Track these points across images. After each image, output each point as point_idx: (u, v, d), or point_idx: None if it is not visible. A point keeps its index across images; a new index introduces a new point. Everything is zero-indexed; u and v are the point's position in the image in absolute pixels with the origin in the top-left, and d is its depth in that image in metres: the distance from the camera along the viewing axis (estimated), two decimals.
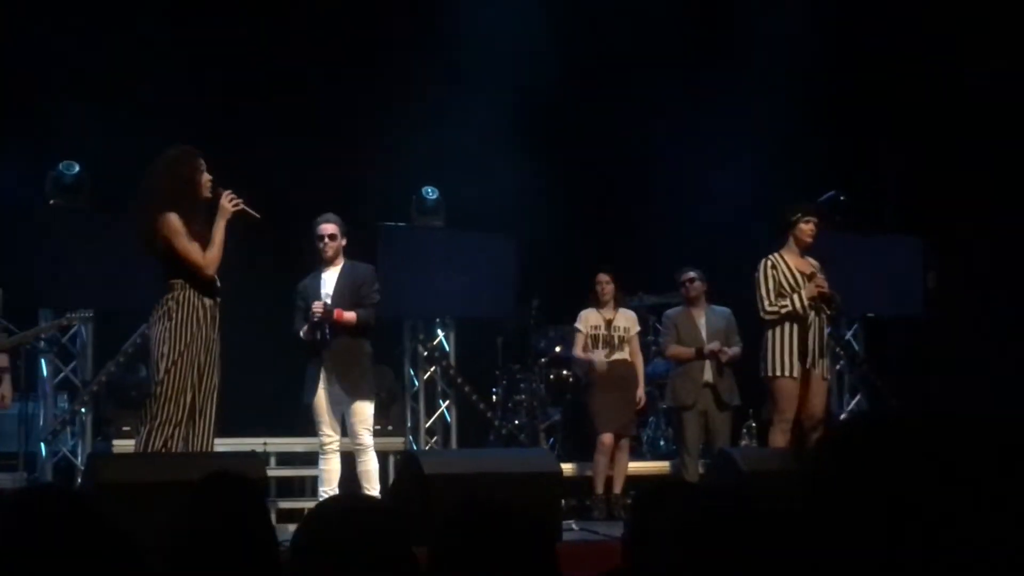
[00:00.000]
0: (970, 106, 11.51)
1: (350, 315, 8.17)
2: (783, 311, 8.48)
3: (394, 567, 2.45)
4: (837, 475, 1.39)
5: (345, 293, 8.26)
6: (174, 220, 6.94)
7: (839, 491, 1.37)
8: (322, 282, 8.35)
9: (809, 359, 8.46)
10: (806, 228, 8.63)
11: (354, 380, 8.17)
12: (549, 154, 11.89)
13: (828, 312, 8.57)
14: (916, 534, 1.32)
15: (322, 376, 8.17)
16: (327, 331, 8.13)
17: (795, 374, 8.45)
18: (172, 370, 6.93)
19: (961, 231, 11.62)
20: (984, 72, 11.29)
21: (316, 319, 8.10)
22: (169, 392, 6.92)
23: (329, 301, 8.21)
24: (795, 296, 8.46)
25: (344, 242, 8.44)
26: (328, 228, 8.39)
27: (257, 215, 7.28)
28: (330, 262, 8.38)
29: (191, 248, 6.98)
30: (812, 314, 8.49)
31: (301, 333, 8.23)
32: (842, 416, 10.44)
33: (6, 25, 10.45)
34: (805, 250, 8.67)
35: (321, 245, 8.36)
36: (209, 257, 7.04)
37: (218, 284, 7.16)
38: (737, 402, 9.71)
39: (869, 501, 1.35)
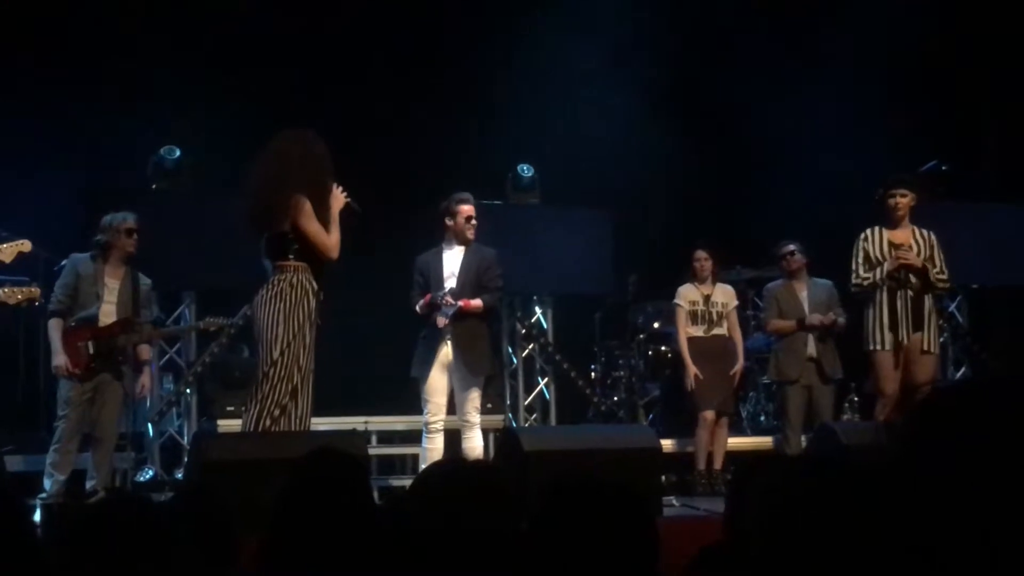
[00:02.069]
0: None
1: (476, 303, 8.11)
2: (865, 284, 8.45)
3: (497, 530, 2.46)
4: (924, 444, 1.38)
5: (470, 277, 8.20)
6: (307, 203, 7.04)
7: (927, 460, 1.36)
8: (444, 261, 8.28)
9: (901, 332, 8.37)
10: (891, 202, 8.55)
11: (472, 360, 8.11)
12: (645, 130, 11.84)
13: (914, 284, 8.43)
14: (1002, 501, 1.30)
15: (439, 354, 8.14)
16: (449, 315, 8.08)
17: (888, 347, 8.38)
18: (286, 352, 7.01)
19: None
20: None
21: (447, 314, 8.05)
22: (281, 373, 7.00)
23: (453, 280, 8.17)
24: (878, 269, 8.40)
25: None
26: (472, 209, 8.30)
27: (360, 209, 7.37)
28: (454, 242, 8.31)
29: (322, 232, 7.08)
30: (896, 286, 8.39)
31: (418, 308, 8.22)
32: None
33: (106, 13, 10.63)
34: (898, 222, 8.57)
35: (467, 225, 8.28)
36: (334, 240, 7.14)
37: (323, 272, 7.24)
38: (840, 376, 9.63)
39: (956, 469, 1.33)
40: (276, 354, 6.99)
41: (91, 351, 8.04)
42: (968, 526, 1.32)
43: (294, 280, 7.07)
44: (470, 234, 8.27)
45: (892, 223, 8.57)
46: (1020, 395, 1.38)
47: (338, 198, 7.26)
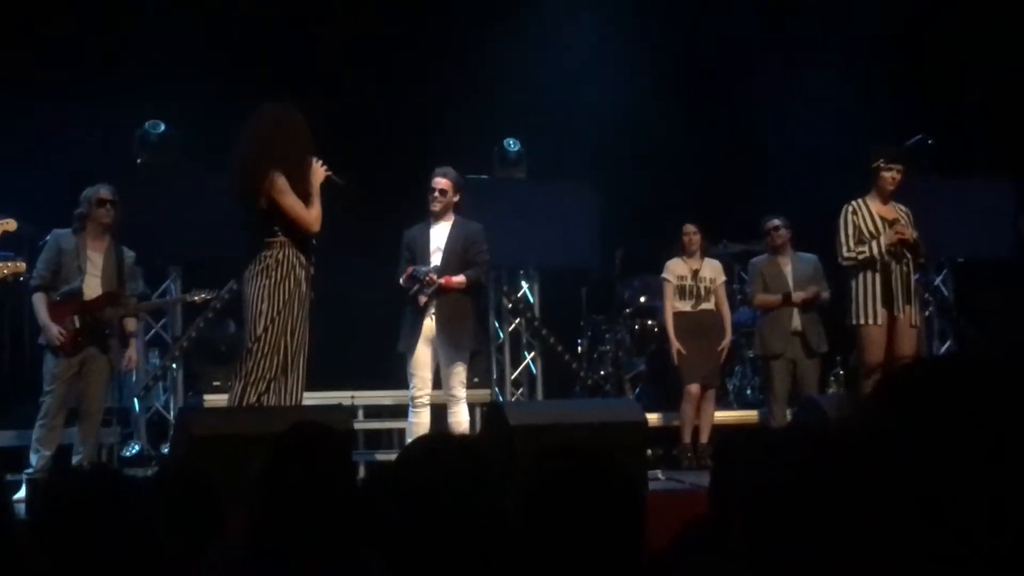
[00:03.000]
0: None
1: (459, 279, 8.10)
2: (860, 258, 8.40)
3: (482, 505, 2.47)
4: (887, 420, 1.38)
5: (456, 252, 8.20)
6: (281, 179, 7.02)
7: (889, 435, 1.36)
8: (430, 236, 8.28)
9: (894, 306, 8.36)
10: (887, 175, 8.52)
11: (457, 335, 8.12)
12: (632, 104, 11.84)
13: (910, 258, 8.44)
14: (960, 479, 1.30)
15: (424, 328, 8.13)
16: (428, 293, 8.09)
17: (879, 321, 8.37)
18: (270, 327, 7.01)
19: None
20: None
21: (427, 293, 8.06)
22: (265, 349, 7.01)
23: (439, 255, 8.18)
24: (874, 243, 8.37)
25: (456, 199, 8.31)
26: (440, 182, 8.26)
27: (341, 182, 7.36)
28: (438, 216, 8.32)
29: (299, 205, 7.07)
30: (893, 261, 8.39)
31: (401, 281, 8.22)
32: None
33: None
34: (888, 197, 8.56)
35: (430, 197, 8.28)
36: (314, 214, 7.14)
37: (313, 244, 7.24)
38: (825, 349, 9.64)
39: (919, 445, 1.33)
40: (260, 330, 7.01)
41: (77, 325, 8.01)
42: (933, 498, 1.32)
43: (280, 256, 7.07)
44: (433, 207, 8.27)
45: (882, 197, 8.55)
46: (993, 373, 1.38)
47: (318, 171, 7.25)
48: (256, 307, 7.04)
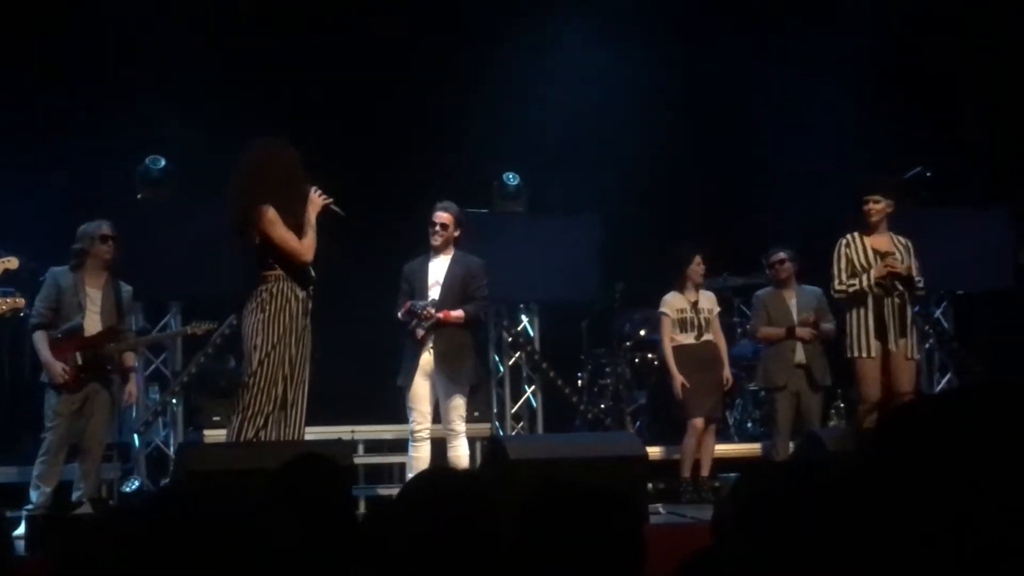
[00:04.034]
0: None
1: (457, 314, 8.13)
2: (851, 291, 8.44)
3: (482, 539, 2.46)
4: (890, 456, 1.37)
5: (455, 286, 8.21)
6: (271, 212, 7.05)
7: (893, 472, 1.35)
8: (429, 270, 8.31)
9: (888, 339, 8.36)
10: (864, 208, 8.54)
11: (456, 368, 8.13)
12: (630, 138, 11.86)
13: (901, 291, 8.44)
14: (963, 514, 1.30)
15: (422, 362, 8.14)
16: (425, 327, 8.09)
17: (873, 354, 8.37)
18: (265, 361, 7.01)
19: None
20: None
21: (425, 327, 8.07)
22: (261, 383, 7.00)
23: (438, 289, 8.19)
24: (864, 276, 8.39)
25: (457, 233, 8.36)
26: (442, 217, 8.31)
27: (342, 213, 7.37)
28: (439, 251, 8.34)
29: (289, 236, 7.08)
30: (884, 294, 8.39)
31: (399, 315, 8.22)
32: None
33: (91, 24, 10.62)
34: (874, 228, 8.56)
35: (431, 231, 8.32)
36: (306, 243, 7.15)
37: (312, 274, 7.25)
38: (829, 382, 9.61)
39: (923, 482, 1.33)
40: (255, 364, 7.01)
41: (79, 362, 8.01)
42: (935, 533, 1.32)
43: (274, 289, 7.08)
44: (433, 241, 8.31)
45: (869, 229, 8.57)
46: (994, 407, 1.37)
47: (315, 202, 7.27)
48: (252, 342, 7.06)
